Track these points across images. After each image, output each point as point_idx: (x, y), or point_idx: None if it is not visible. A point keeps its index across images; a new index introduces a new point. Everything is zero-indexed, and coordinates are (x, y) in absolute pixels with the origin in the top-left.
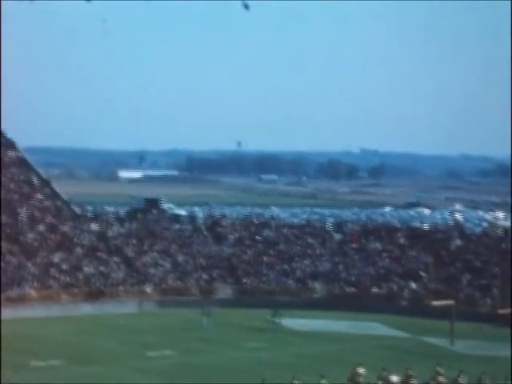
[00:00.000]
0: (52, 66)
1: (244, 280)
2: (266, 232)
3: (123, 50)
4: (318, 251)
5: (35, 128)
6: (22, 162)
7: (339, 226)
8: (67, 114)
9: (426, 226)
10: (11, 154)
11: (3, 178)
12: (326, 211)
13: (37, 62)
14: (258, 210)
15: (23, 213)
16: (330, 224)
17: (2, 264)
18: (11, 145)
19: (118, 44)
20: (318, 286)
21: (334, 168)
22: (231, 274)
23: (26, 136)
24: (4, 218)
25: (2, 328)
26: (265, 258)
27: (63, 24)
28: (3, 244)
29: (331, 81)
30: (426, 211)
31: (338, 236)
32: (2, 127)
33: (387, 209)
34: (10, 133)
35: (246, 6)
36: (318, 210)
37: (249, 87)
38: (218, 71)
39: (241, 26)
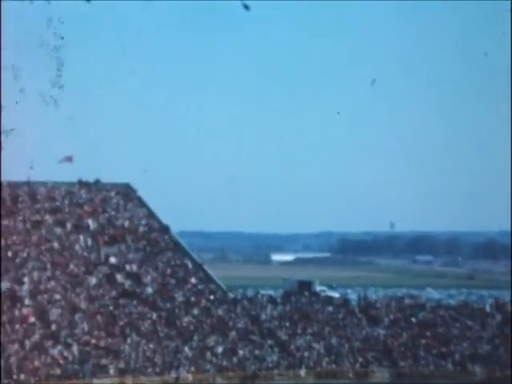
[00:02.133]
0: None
1: (400, 363)
2: (422, 314)
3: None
4: (477, 333)
5: (189, 212)
6: (177, 247)
7: (499, 306)
8: (218, 198)
9: None
10: (166, 238)
11: (159, 263)
12: (484, 292)
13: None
14: (413, 292)
15: (179, 297)
16: (489, 305)
17: (159, 348)
18: (166, 229)
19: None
20: (477, 370)
21: (492, 248)
22: (387, 356)
23: (180, 221)
24: (161, 303)
25: None
26: (421, 341)
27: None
28: (161, 328)
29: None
30: None
31: (498, 317)
32: (158, 212)
33: None
34: (166, 218)
35: (246, 7)
36: (475, 291)
37: (399, 166)
38: (366, 154)
39: None
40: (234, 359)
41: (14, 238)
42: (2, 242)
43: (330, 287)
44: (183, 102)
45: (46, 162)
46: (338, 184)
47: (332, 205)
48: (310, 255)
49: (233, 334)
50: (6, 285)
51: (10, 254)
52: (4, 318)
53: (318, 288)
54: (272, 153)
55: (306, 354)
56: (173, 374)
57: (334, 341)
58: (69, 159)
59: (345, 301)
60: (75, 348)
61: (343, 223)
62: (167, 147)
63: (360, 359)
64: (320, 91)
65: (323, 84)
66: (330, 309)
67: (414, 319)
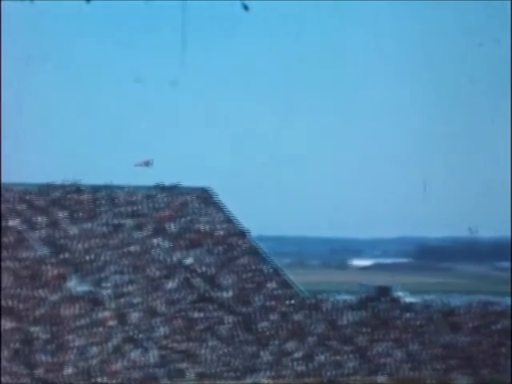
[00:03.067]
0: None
1: (482, 371)
2: (503, 321)
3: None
4: None
5: (268, 217)
6: (255, 251)
7: None
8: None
9: None
10: (245, 242)
11: (237, 268)
12: None
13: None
14: (493, 299)
15: (257, 301)
16: None
17: (237, 353)
18: (244, 234)
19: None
20: None
21: None
22: (468, 364)
23: (258, 225)
24: (239, 307)
25: None
26: (502, 349)
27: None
28: (239, 333)
29: None
30: None
31: None
32: (236, 217)
33: None
34: (245, 223)
35: (246, 7)
36: None
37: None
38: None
39: None
40: (312, 365)
41: (94, 241)
42: (82, 245)
43: (410, 293)
44: (259, 107)
45: (125, 165)
46: (417, 189)
47: (411, 210)
48: (388, 260)
49: (311, 339)
50: (85, 288)
51: (89, 257)
52: (83, 321)
53: (398, 294)
54: (349, 157)
55: (385, 360)
56: (250, 379)
57: (413, 347)
58: (147, 163)
59: (425, 307)
60: (154, 352)
61: (422, 228)
62: (248, 152)
63: (440, 366)
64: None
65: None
66: (410, 315)
67: (494, 326)
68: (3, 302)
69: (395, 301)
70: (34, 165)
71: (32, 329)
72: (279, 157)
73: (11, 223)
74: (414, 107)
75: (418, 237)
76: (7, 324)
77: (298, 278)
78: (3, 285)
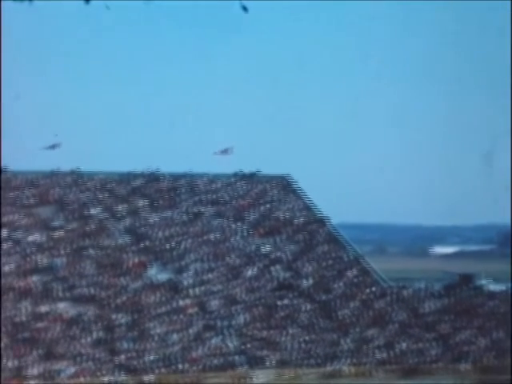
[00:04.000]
0: None
1: None
2: None
3: None
4: None
5: (348, 204)
6: (335, 239)
7: None
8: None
9: None
10: (324, 230)
11: (317, 255)
12: None
13: None
14: None
15: (337, 289)
16: None
17: (318, 340)
18: (324, 221)
19: None
20: None
21: None
22: None
23: (338, 213)
24: (319, 295)
25: None
26: None
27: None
28: (319, 321)
29: None
30: None
31: None
32: (316, 204)
33: None
34: (325, 210)
35: (245, 8)
36: None
37: None
38: None
39: None
40: (394, 352)
41: (174, 229)
42: (162, 233)
43: (493, 281)
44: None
45: (204, 153)
46: (500, 173)
47: (495, 196)
48: (471, 248)
49: (392, 326)
50: (166, 276)
51: (170, 245)
52: (164, 308)
53: (481, 281)
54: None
55: (469, 348)
56: (331, 367)
57: (497, 335)
58: (226, 151)
59: (509, 295)
60: (234, 339)
61: (506, 215)
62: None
63: None
64: None
65: None
66: (494, 303)
67: None
68: (86, 290)
69: (479, 288)
70: (114, 153)
71: (114, 316)
72: (359, 142)
73: (93, 212)
74: None
75: (501, 224)
76: (90, 311)
77: (379, 266)
78: (86, 272)
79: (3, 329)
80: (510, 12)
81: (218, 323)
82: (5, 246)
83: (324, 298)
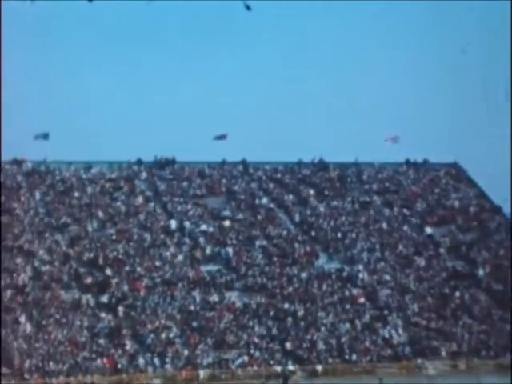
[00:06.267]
0: None
1: None
2: None
3: None
4: None
5: None
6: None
7: None
8: None
9: None
10: (499, 218)
11: (492, 244)
12: None
13: None
14: None
15: None
16: None
17: (493, 331)
18: (498, 209)
19: None
20: None
21: None
22: None
23: None
24: (494, 285)
25: None
26: None
27: None
28: (495, 311)
29: None
30: None
31: None
32: (489, 193)
33: None
34: (498, 198)
35: (248, 7)
36: None
37: None
38: None
39: None
40: None
41: (343, 219)
42: (331, 223)
43: None
44: None
45: (373, 142)
46: None
47: None
48: None
49: None
50: (335, 265)
51: (339, 235)
52: (334, 298)
53: None
54: None
55: None
56: (508, 358)
57: None
58: (394, 139)
59: None
60: (405, 329)
61: None
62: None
63: None
64: None
65: None
66: None
67: None
68: (256, 280)
69: None
70: (281, 143)
71: (284, 306)
72: None
73: (261, 201)
74: None
75: None
76: (260, 301)
77: None
78: (256, 262)
79: (177, 317)
80: (510, 12)
81: (389, 313)
82: (176, 236)
83: (500, 287)
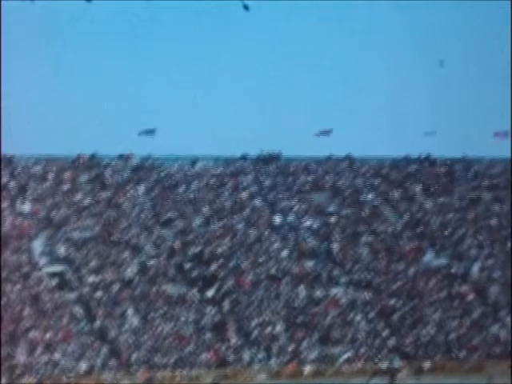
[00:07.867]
0: None
1: None
2: None
3: None
4: None
5: None
6: None
7: None
8: None
9: None
10: None
11: None
12: None
13: None
14: None
15: None
16: None
17: None
18: None
19: None
20: None
21: None
22: None
23: None
24: None
25: None
26: None
27: None
28: None
29: None
30: None
31: None
32: None
33: None
34: None
35: (246, 7)
36: None
37: None
38: None
39: None
40: None
41: (451, 215)
42: (438, 219)
43: None
44: None
45: (482, 137)
46: None
47: None
48: None
49: None
50: (442, 261)
51: (446, 231)
52: (441, 294)
53: None
54: None
55: None
56: None
57: None
58: (504, 135)
59: None
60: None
61: None
62: None
63: None
64: None
65: None
66: None
67: None
68: (361, 275)
69: None
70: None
71: (390, 302)
72: None
73: (367, 197)
74: None
75: None
76: (366, 296)
77: None
78: (361, 257)
79: (282, 312)
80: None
81: (499, 310)
82: (282, 231)
83: None
